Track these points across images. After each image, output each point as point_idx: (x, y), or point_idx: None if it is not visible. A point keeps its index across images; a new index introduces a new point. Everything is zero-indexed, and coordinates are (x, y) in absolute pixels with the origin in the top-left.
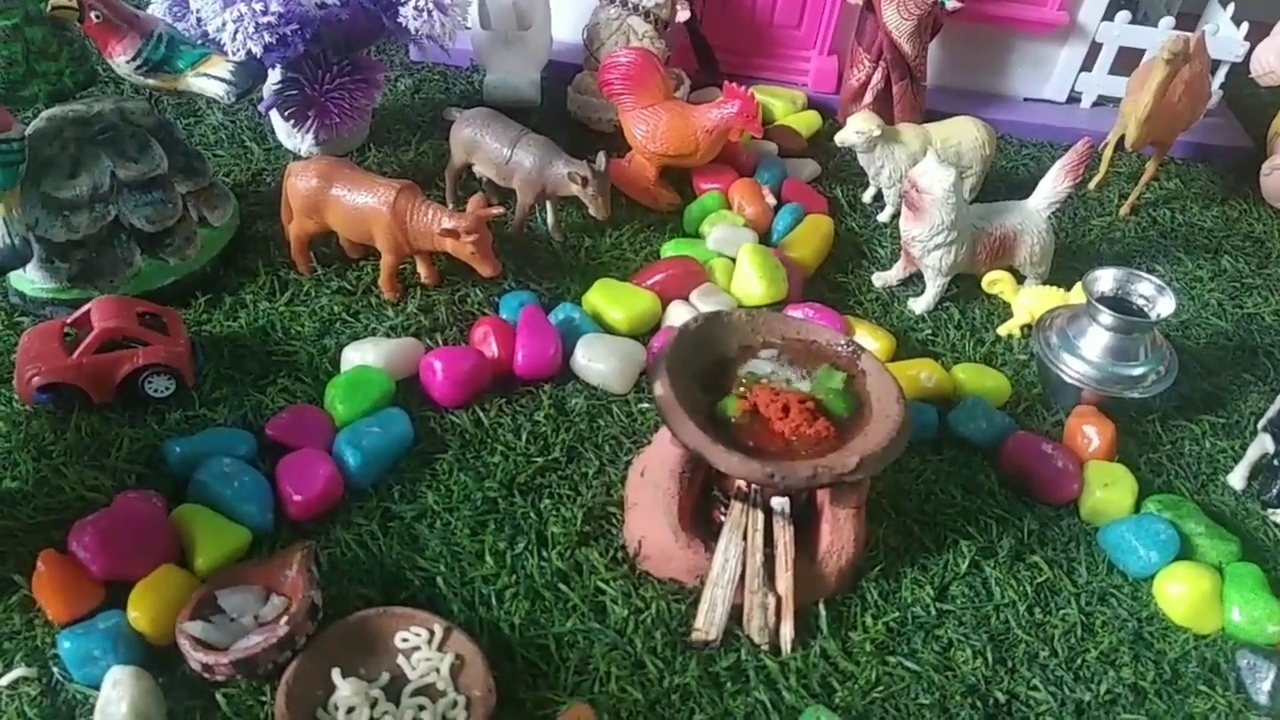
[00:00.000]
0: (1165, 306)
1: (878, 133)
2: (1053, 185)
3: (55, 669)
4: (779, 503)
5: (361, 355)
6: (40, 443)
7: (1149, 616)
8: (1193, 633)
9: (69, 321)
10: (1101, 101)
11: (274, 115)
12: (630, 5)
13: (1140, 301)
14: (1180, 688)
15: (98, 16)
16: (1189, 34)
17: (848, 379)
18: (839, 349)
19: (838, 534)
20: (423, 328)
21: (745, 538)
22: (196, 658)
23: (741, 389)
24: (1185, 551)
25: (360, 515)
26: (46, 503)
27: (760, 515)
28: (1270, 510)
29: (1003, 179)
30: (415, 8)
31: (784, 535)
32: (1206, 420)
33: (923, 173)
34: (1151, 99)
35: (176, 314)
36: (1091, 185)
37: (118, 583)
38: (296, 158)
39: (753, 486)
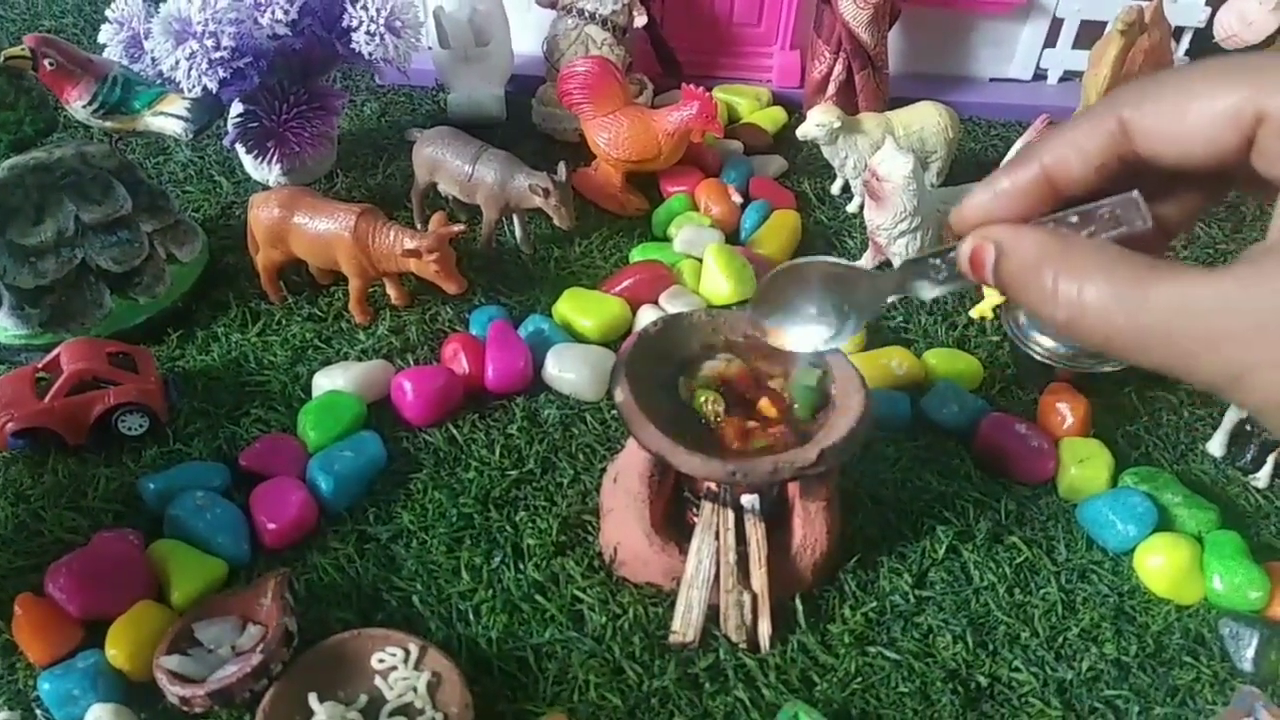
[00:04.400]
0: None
1: (838, 124)
2: None
3: (38, 711)
4: (749, 500)
5: (332, 380)
6: (18, 488)
7: (1130, 590)
8: (1175, 604)
9: (40, 366)
10: (1068, 77)
11: (239, 148)
12: (587, 14)
13: None
14: (1164, 660)
15: (51, 64)
16: (1144, 4)
17: (823, 375)
18: None
19: (810, 528)
20: (394, 349)
21: (718, 537)
22: (174, 691)
23: (702, 396)
24: (1164, 523)
25: (336, 539)
26: (26, 546)
27: (731, 514)
28: (1249, 476)
29: (972, 160)
30: (367, 32)
31: (756, 532)
32: (1183, 389)
33: (881, 161)
34: (1109, 71)
35: (147, 352)
36: None
37: (96, 621)
38: (265, 189)
39: (722, 486)
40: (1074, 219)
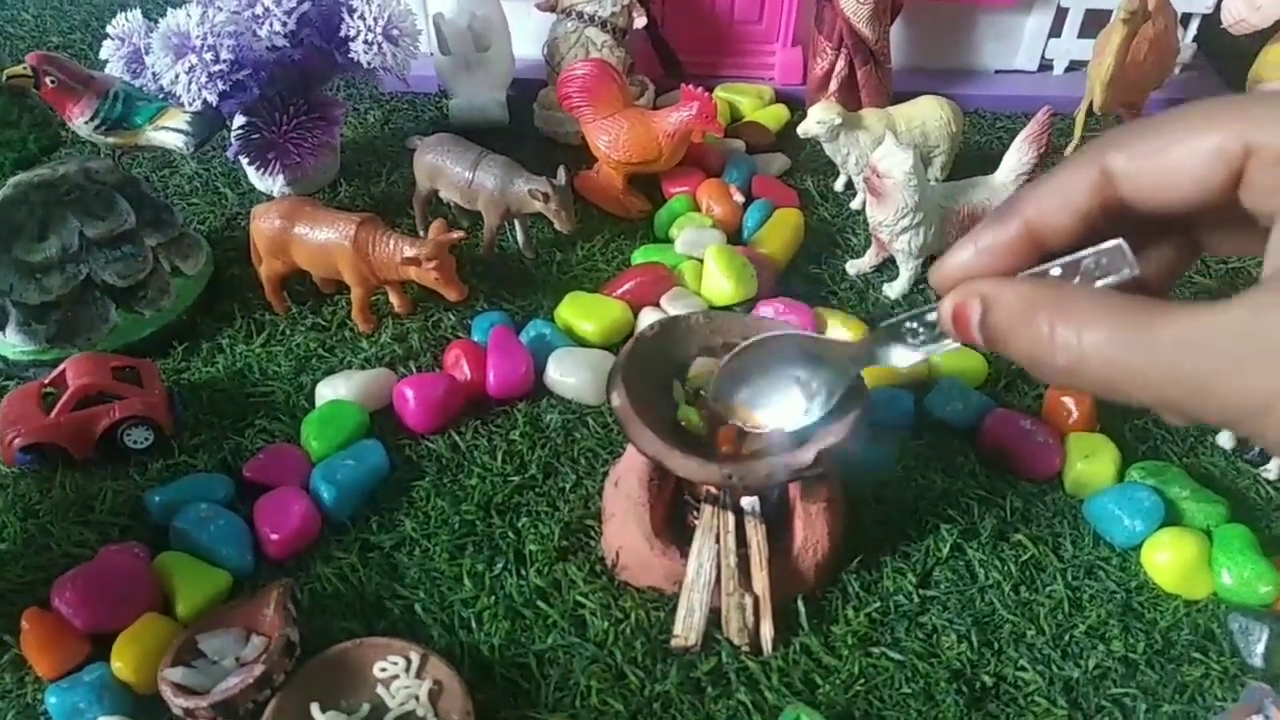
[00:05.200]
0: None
1: (839, 121)
2: (1018, 157)
3: None
4: (749, 502)
5: (334, 390)
6: (27, 503)
7: (1138, 586)
8: (1183, 599)
9: (47, 381)
10: (1074, 67)
11: (242, 159)
12: (587, 17)
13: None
14: (1172, 657)
15: (52, 81)
16: None
17: None
18: None
19: (811, 529)
20: (397, 356)
21: (718, 540)
22: (178, 703)
23: (684, 415)
24: (1172, 517)
25: (339, 548)
26: (34, 561)
27: (731, 516)
28: (1259, 468)
29: (977, 154)
30: (365, 41)
31: (756, 534)
32: None
33: (882, 157)
34: (1113, 61)
35: (151, 365)
36: (1066, 153)
37: (103, 635)
38: (270, 200)
39: (722, 489)
40: (1058, 270)
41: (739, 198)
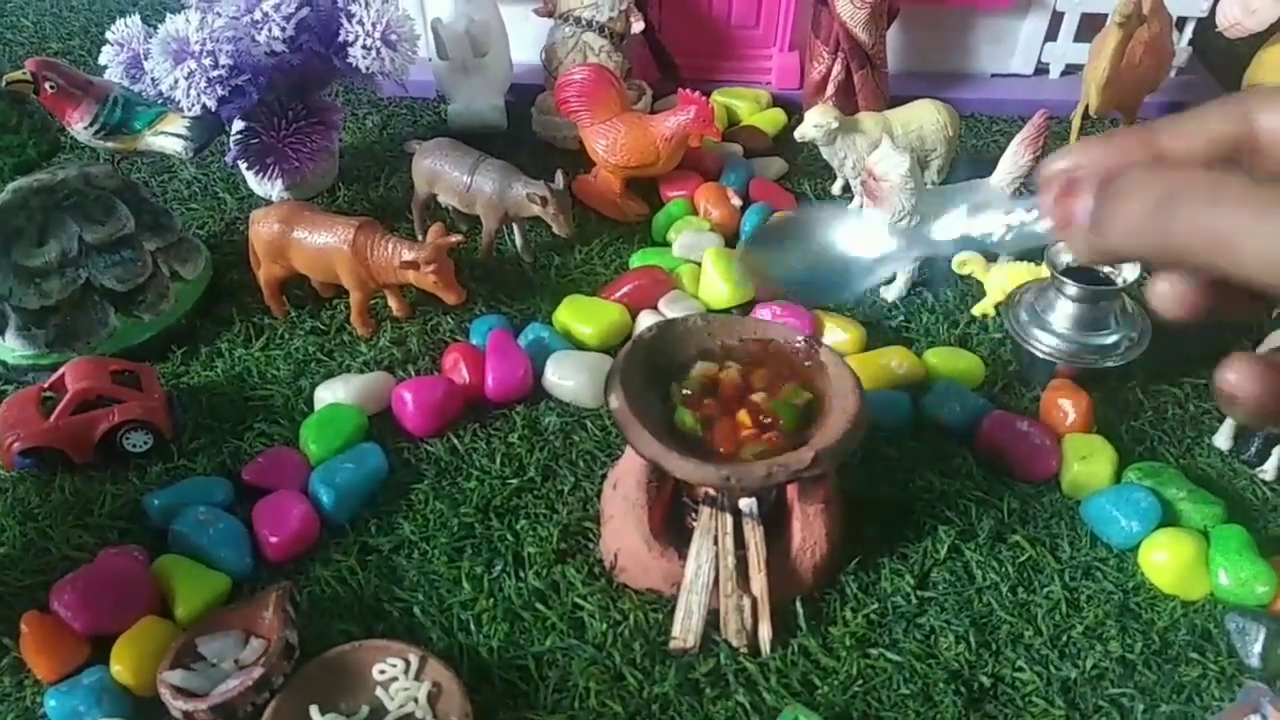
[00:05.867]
0: (1131, 271)
1: (835, 125)
2: (1013, 161)
3: None
4: (746, 504)
5: (333, 393)
6: (26, 507)
7: (1135, 587)
8: (1180, 600)
9: (46, 386)
10: (1070, 70)
11: (241, 164)
12: (584, 22)
13: (1106, 269)
14: (1170, 657)
15: (52, 87)
16: None
17: (811, 398)
18: (795, 345)
19: (809, 530)
20: (395, 360)
21: (716, 542)
22: (177, 706)
23: (687, 395)
24: (1169, 518)
25: (338, 551)
26: (34, 564)
27: (729, 518)
28: (1256, 469)
29: (974, 157)
30: (363, 46)
31: (754, 536)
32: (1188, 383)
33: (878, 160)
34: (1108, 64)
35: (150, 369)
36: None
37: (102, 638)
38: (268, 204)
39: (720, 490)
40: None
41: (736, 201)
